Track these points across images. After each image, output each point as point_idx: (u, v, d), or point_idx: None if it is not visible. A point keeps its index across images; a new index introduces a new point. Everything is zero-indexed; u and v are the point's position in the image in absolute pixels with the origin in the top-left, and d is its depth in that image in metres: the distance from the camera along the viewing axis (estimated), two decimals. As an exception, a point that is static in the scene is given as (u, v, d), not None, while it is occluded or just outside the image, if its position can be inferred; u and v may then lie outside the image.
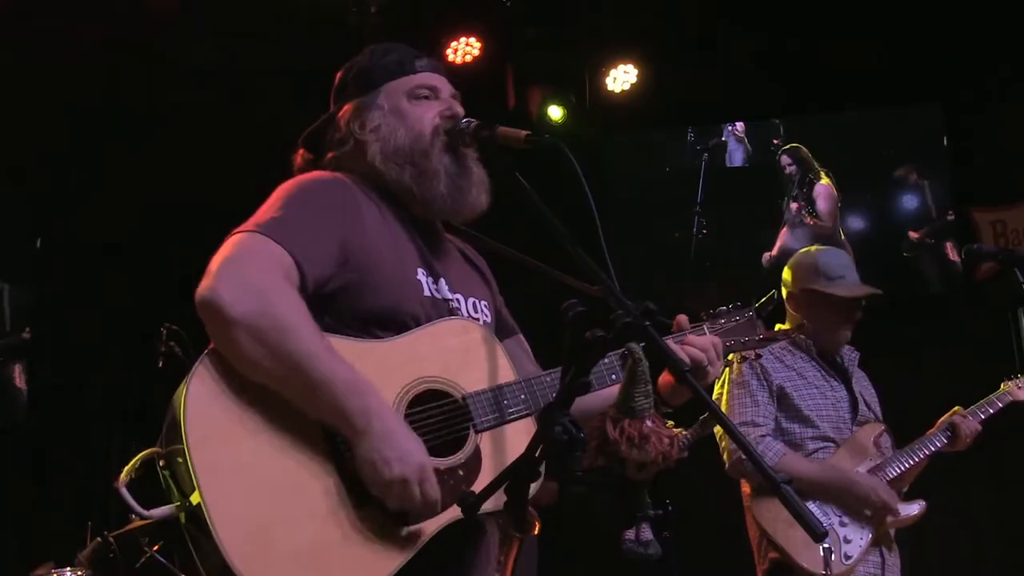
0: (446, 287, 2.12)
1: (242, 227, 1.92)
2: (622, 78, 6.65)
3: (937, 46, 6.01)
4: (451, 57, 6.40)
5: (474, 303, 2.18)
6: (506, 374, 2.04)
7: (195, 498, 1.70)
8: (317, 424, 1.82)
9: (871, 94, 6.48)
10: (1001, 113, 6.10)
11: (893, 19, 6.12)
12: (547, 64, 6.58)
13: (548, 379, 2.02)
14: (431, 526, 1.84)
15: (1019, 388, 3.86)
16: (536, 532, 4.94)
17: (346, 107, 2.20)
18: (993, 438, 3.89)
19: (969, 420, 3.76)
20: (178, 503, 1.76)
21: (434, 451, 1.88)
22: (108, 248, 6.36)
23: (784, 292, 3.88)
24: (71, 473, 6.05)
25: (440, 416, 1.93)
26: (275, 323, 1.79)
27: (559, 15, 6.37)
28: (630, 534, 1.76)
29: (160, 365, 4.61)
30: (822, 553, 3.37)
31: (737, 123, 6.77)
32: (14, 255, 6.54)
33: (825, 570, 3.36)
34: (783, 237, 6.65)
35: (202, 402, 1.76)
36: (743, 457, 3.54)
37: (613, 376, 2.04)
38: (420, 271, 2.08)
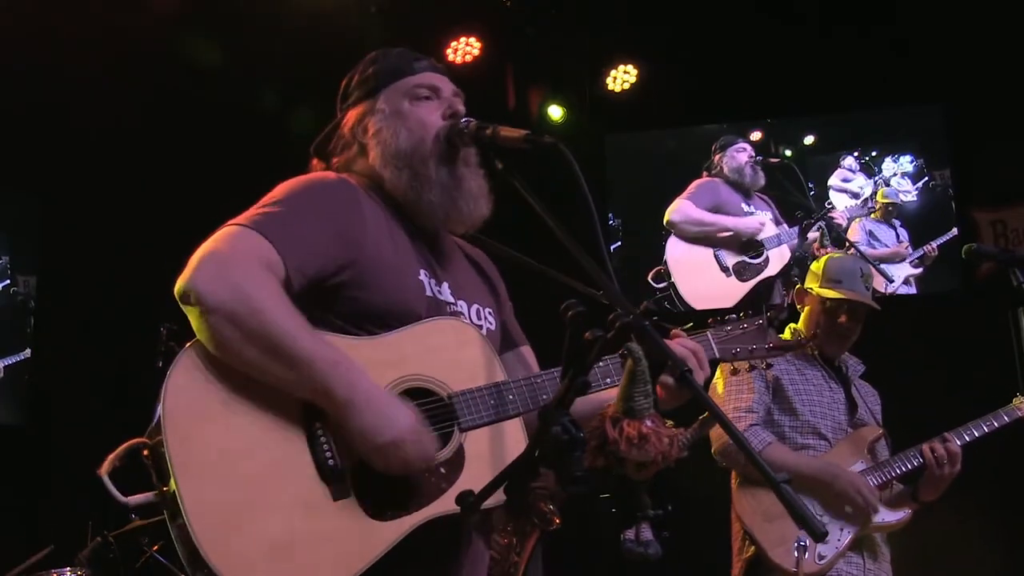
0: (448, 291, 2.12)
1: (234, 220, 1.92)
2: (622, 78, 6.66)
3: (938, 46, 6.00)
4: (451, 57, 6.40)
5: (477, 310, 2.17)
6: (495, 374, 2.03)
7: (171, 485, 1.71)
8: (296, 413, 1.82)
9: (871, 94, 6.48)
10: (1001, 113, 6.10)
11: (893, 19, 6.12)
12: (547, 64, 6.58)
13: (539, 380, 2.00)
14: (411, 520, 1.83)
15: None
16: (554, 527, 4.88)
17: (350, 113, 2.22)
18: (997, 445, 3.81)
19: (941, 447, 3.59)
20: (157, 491, 1.77)
21: None
22: (108, 247, 6.36)
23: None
24: (71, 473, 6.04)
25: (425, 414, 1.92)
26: (250, 307, 1.79)
27: (559, 15, 6.37)
28: (630, 534, 1.76)
29: (160, 365, 4.60)
30: (795, 551, 3.35)
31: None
32: (15, 254, 6.55)
33: (796, 568, 3.34)
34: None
35: (182, 391, 1.76)
36: (731, 442, 3.54)
37: (608, 380, 2.02)
38: (423, 272, 2.08)
